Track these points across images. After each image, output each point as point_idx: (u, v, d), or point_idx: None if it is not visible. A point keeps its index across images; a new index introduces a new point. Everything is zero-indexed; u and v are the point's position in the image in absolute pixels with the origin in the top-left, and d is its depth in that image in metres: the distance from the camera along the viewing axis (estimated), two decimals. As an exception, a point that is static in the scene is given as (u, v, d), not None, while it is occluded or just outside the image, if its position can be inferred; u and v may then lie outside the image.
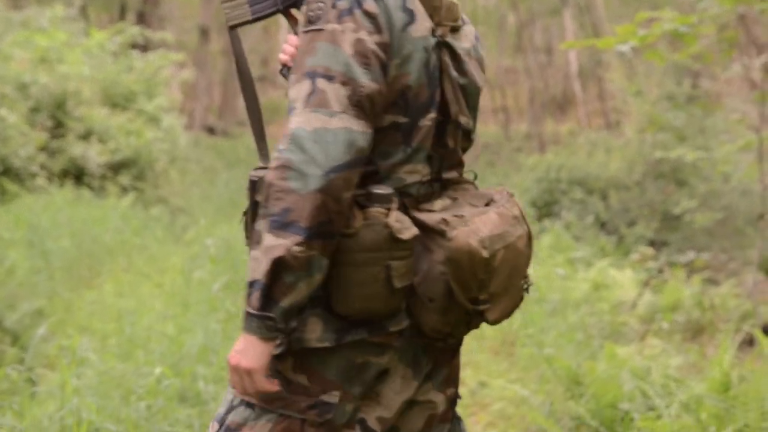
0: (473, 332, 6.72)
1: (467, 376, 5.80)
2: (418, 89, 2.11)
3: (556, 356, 5.38)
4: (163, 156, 13.56)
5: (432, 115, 2.13)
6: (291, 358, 2.09)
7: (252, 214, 2.11)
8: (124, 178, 12.23)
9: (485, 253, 2.04)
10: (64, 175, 11.69)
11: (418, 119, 2.12)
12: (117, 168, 12.40)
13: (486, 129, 29.63)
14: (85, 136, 12.28)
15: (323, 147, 1.92)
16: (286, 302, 1.94)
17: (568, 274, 8.54)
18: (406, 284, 2.06)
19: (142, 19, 23.23)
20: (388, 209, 2.04)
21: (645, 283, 7.74)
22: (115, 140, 12.43)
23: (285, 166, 1.92)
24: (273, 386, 2.01)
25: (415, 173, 2.14)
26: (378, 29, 2.05)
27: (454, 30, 2.22)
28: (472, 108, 2.28)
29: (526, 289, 2.23)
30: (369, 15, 2.05)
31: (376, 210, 2.03)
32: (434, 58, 2.13)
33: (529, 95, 26.20)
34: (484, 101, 31.85)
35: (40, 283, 6.58)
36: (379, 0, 2.07)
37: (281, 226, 1.91)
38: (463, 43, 2.23)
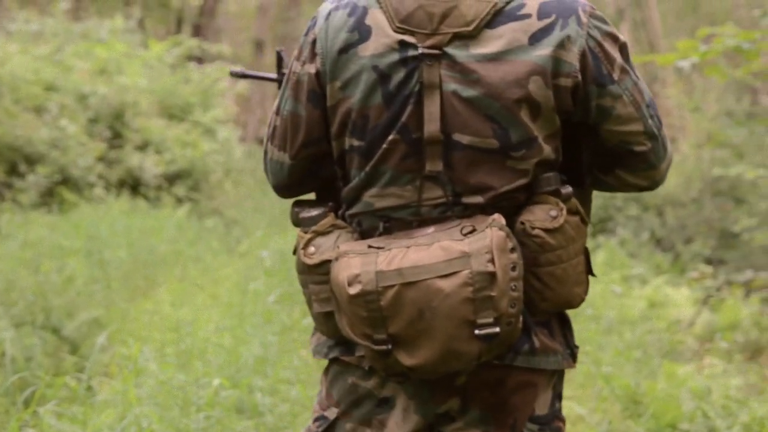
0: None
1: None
2: (369, 111, 2.01)
3: (614, 374, 5.32)
4: (218, 167, 13.67)
5: (393, 137, 2.00)
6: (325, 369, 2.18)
7: None
8: (180, 189, 12.34)
9: (352, 290, 1.90)
10: (121, 185, 11.83)
11: (375, 142, 2.02)
12: (173, 179, 12.51)
13: (539, 144, 29.60)
14: (142, 147, 12.42)
15: (268, 173, 2.22)
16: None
17: (623, 292, 8.47)
18: (330, 310, 2.03)
19: (198, 31, 23.46)
20: (305, 232, 2.05)
21: (703, 302, 7.65)
22: (171, 151, 12.55)
23: None
24: None
25: (391, 197, 2.03)
26: (313, 56, 2.06)
27: (465, 36, 1.97)
28: (492, 119, 1.98)
29: (484, 338, 1.90)
30: (311, 42, 2.07)
31: (299, 232, 2.08)
32: (401, 75, 1.99)
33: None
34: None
35: (98, 292, 6.64)
36: (325, 23, 2.05)
37: None
38: (477, 49, 1.97)
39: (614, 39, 2.03)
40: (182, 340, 5.12)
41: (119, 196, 11.27)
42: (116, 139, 12.31)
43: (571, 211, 2.00)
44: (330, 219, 2.07)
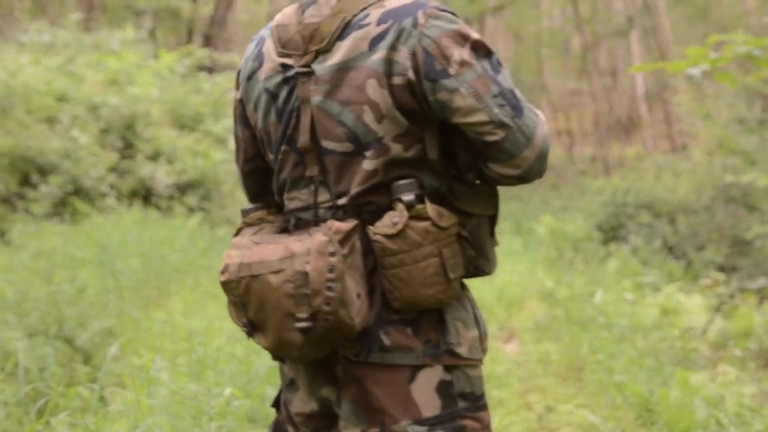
0: (539, 356, 6.66)
1: (534, 401, 5.75)
2: (269, 128, 2.29)
3: (626, 382, 5.30)
4: (229, 177, 13.69)
5: (284, 148, 2.26)
6: None
7: None
8: (191, 199, 12.36)
9: (221, 277, 2.20)
10: (133, 195, 11.86)
11: (276, 153, 2.29)
12: (184, 188, 12.54)
13: (550, 152, 29.51)
14: (154, 157, 12.46)
15: None
16: None
17: (636, 299, 8.44)
18: None
19: (208, 41, 23.52)
20: (240, 227, 2.34)
21: (716, 309, 7.62)
22: (182, 161, 12.58)
23: None
24: None
25: (296, 200, 2.27)
26: (237, 84, 2.40)
27: (324, 52, 2.20)
28: (343, 124, 2.17)
29: (303, 330, 2.10)
30: (238, 72, 2.40)
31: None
32: (284, 93, 2.25)
33: (593, 118, 26.01)
34: (548, 124, 31.74)
35: (110, 302, 6.65)
36: (245, 55, 2.36)
37: None
38: (330, 61, 2.19)
39: (460, 36, 2.13)
40: (194, 349, 5.12)
41: (131, 206, 11.29)
42: (128, 149, 12.35)
43: (419, 217, 2.12)
44: (260, 213, 2.35)
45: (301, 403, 2.30)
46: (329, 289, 2.09)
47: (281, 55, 2.25)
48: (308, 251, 2.11)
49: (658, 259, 10.62)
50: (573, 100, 30.64)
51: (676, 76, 16.16)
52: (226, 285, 2.19)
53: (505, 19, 30.05)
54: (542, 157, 2.15)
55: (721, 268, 10.06)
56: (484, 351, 2.27)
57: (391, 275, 2.13)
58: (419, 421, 2.15)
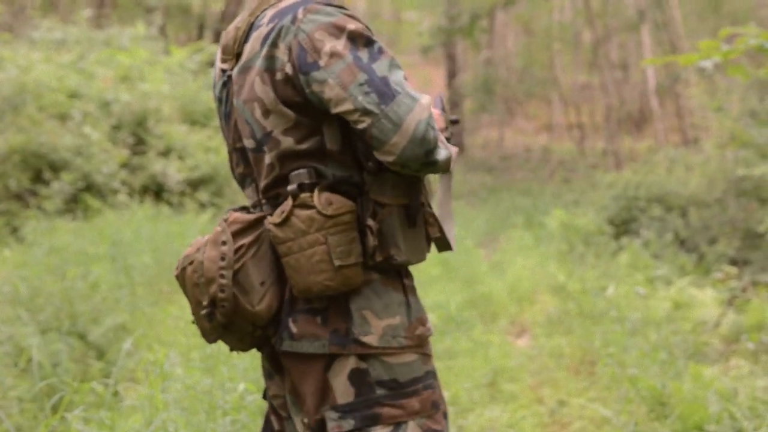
0: (550, 350, 6.63)
1: (546, 395, 5.75)
2: (223, 131, 2.43)
3: (639, 376, 5.30)
4: (241, 173, 13.68)
5: (229, 149, 2.40)
6: None
7: None
8: (203, 195, 12.37)
9: (176, 271, 2.31)
10: (145, 191, 11.87)
11: (229, 155, 2.43)
12: (195, 184, 12.55)
13: (561, 145, 29.44)
14: (165, 153, 12.47)
15: None
16: None
17: (647, 293, 8.42)
18: None
19: (218, 37, 23.50)
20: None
21: (728, 303, 7.60)
22: (193, 157, 12.59)
23: None
24: None
25: (249, 198, 2.38)
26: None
27: (237, 55, 2.32)
28: (247, 122, 2.28)
29: (207, 318, 2.23)
30: None
31: None
32: (224, 97, 2.38)
33: (604, 112, 25.95)
34: (558, 118, 31.69)
35: (123, 297, 6.67)
36: None
37: None
38: (239, 63, 2.30)
39: (335, 28, 2.16)
40: (207, 344, 5.13)
41: (143, 202, 11.31)
42: (139, 145, 12.37)
43: (304, 206, 2.17)
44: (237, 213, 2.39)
45: (277, 388, 2.38)
46: (222, 276, 2.19)
47: (222, 60, 2.38)
48: (206, 242, 2.24)
49: (669, 252, 10.59)
50: (584, 94, 30.56)
51: (688, 70, 16.12)
52: (177, 278, 2.33)
53: (515, 13, 29.98)
54: (416, 142, 2.09)
55: (734, 262, 10.02)
56: (416, 338, 2.26)
57: (285, 263, 2.20)
58: (334, 407, 2.21)
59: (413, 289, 2.33)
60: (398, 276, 2.28)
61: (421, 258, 2.30)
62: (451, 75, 30.14)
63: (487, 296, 8.79)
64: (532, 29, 32.31)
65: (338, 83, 2.11)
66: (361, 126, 2.11)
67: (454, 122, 2.78)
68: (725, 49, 5.98)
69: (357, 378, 2.20)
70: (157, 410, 3.76)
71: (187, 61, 15.33)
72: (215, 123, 13.80)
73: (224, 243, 2.21)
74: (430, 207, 2.38)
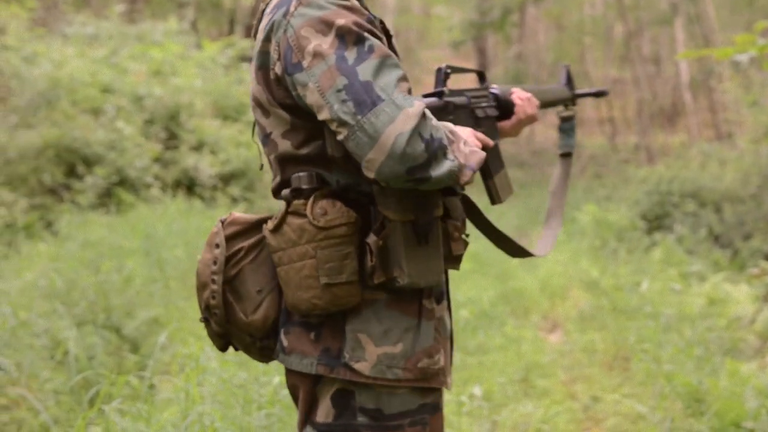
0: (583, 345, 6.60)
1: (579, 391, 5.72)
2: None
3: (674, 372, 5.26)
4: (272, 167, 13.70)
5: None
6: None
7: None
8: (234, 189, 12.41)
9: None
10: (177, 185, 11.92)
11: None
12: (227, 179, 12.59)
13: (592, 140, 29.29)
14: (197, 148, 12.52)
15: None
16: None
17: (682, 289, 8.37)
18: None
19: (250, 31, 23.53)
20: None
21: (764, 299, 7.53)
22: (225, 152, 12.63)
23: None
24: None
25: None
26: None
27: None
28: (258, 121, 2.09)
29: (205, 323, 2.08)
30: None
31: None
32: None
33: (636, 106, 25.79)
34: (589, 113, 31.52)
35: (157, 291, 6.71)
36: None
37: None
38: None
39: (323, 23, 1.89)
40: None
41: (175, 196, 11.36)
42: (171, 140, 12.42)
43: (296, 214, 1.95)
44: None
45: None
46: (213, 282, 2.01)
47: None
48: (213, 242, 2.06)
49: (703, 248, 10.51)
50: (615, 89, 30.37)
51: (721, 64, 15.98)
52: None
53: (546, 8, 29.87)
54: (395, 158, 1.79)
55: (768, 257, 9.94)
56: (417, 371, 1.99)
57: (278, 273, 1.99)
58: (313, 424, 2.03)
59: (431, 313, 2.03)
60: (415, 297, 2.00)
61: (433, 280, 1.98)
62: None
63: (520, 291, 8.77)
64: (563, 23, 32.17)
65: (317, 88, 1.85)
66: (339, 138, 1.85)
67: (597, 94, 2.66)
68: (761, 42, 5.92)
69: (340, 400, 1.99)
70: (193, 403, 3.78)
71: (218, 55, 15.38)
72: (246, 118, 13.85)
73: (217, 246, 2.02)
74: (458, 218, 2.09)
